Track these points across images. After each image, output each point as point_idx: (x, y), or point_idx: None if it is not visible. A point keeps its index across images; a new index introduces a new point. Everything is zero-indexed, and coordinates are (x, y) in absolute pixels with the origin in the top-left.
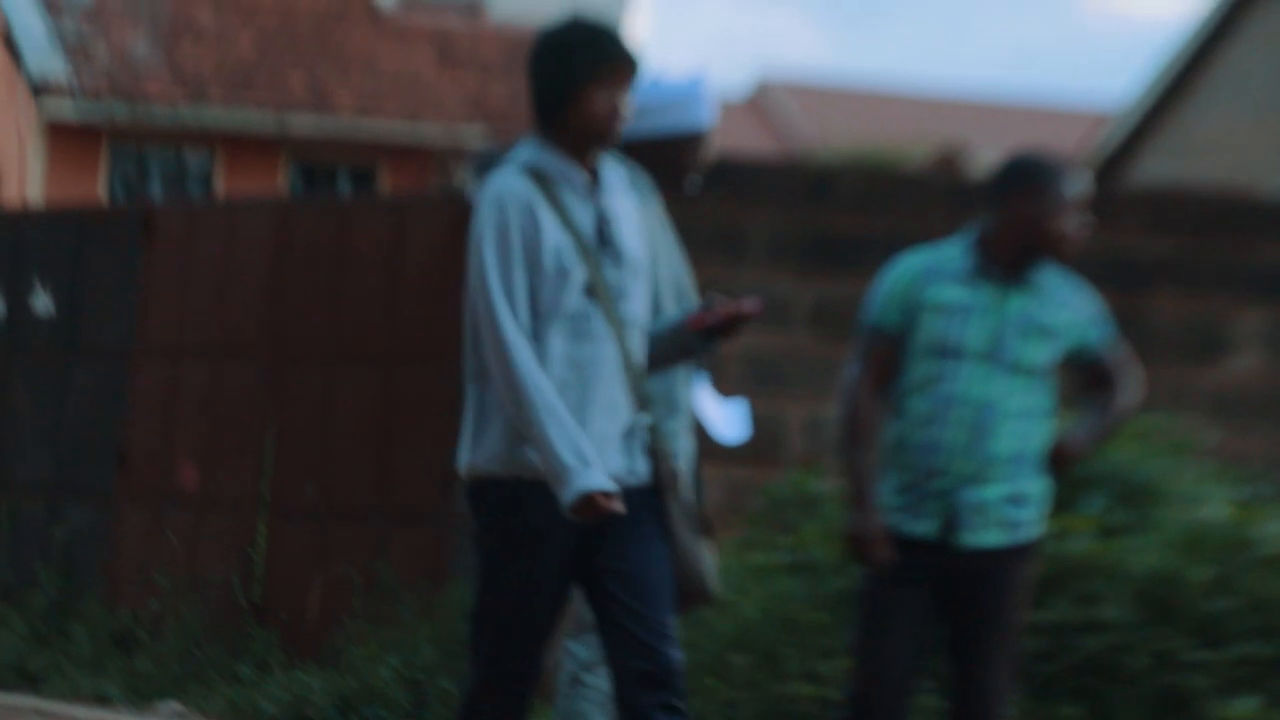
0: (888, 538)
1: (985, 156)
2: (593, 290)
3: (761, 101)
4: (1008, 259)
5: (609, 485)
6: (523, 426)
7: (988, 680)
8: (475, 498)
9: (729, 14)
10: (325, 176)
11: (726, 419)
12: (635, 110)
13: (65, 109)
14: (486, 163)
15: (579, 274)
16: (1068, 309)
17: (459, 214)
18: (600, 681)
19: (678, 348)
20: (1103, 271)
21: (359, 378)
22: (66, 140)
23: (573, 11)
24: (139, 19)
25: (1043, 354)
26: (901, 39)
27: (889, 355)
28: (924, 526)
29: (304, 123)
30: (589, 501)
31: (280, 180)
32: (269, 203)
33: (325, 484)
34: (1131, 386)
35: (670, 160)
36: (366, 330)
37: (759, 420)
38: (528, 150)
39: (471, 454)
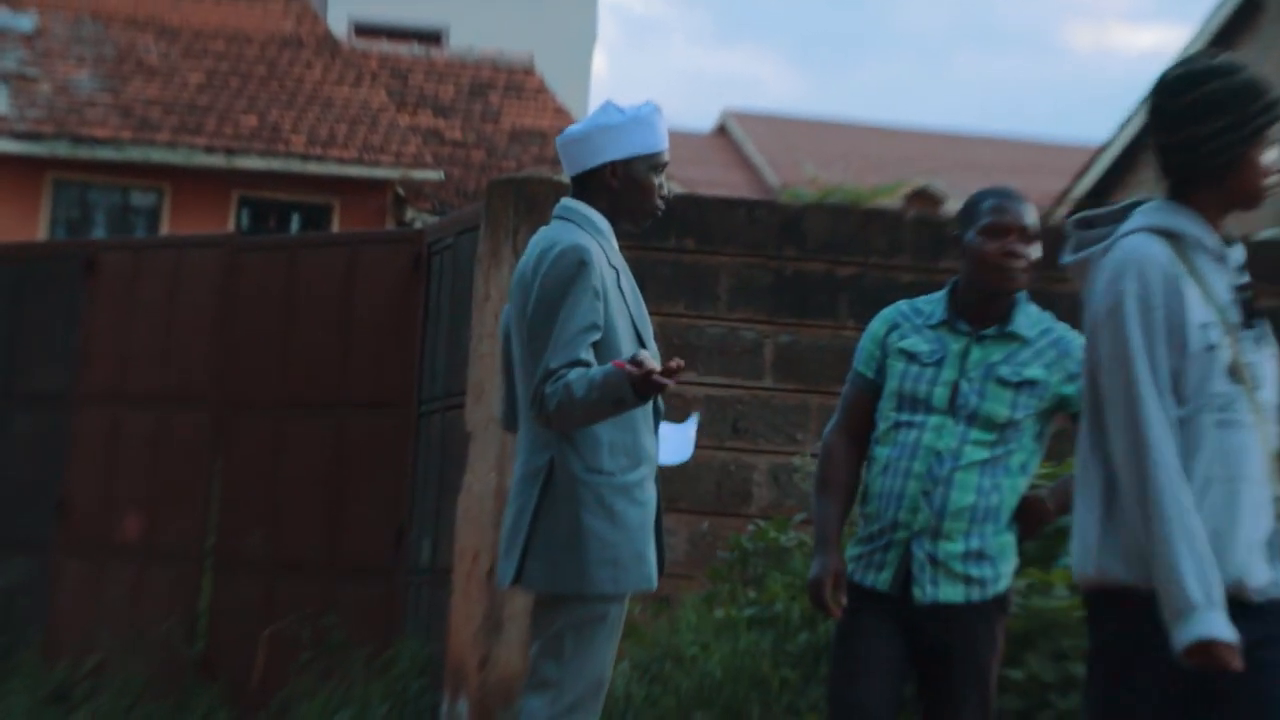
0: (842, 585)
1: (960, 195)
2: (1235, 372)
3: (727, 134)
4: (974, 306)
5: (1233, 636)
6: (1148, 540)
7: None
8: (1102, 609)
9: (697, 52)
10: (277, 216)
11: (669, 442)
12: (593, 134)
13: (5, 143)
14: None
15: (1224, 354)
16: (1039, 363)
17: (414, 253)
18: None
19: (610, 397)
20: (1076, 312)
21: (309, 425)
22: (7, 176)
23: (1226, 56)
24: (83, 53)
25: (1004, 407)
26: (874, 78)
27: (866, 403)
28: (881, 578)
29: (254, 161)
30: (1207, 649)
31: (230, 219)
32: (216, 239)
33: (273, 535)
34: None
35: (635, 184)
36: (317, 375)
37: (724, 469)
38: (1159, 213)
39: (1100, 557)
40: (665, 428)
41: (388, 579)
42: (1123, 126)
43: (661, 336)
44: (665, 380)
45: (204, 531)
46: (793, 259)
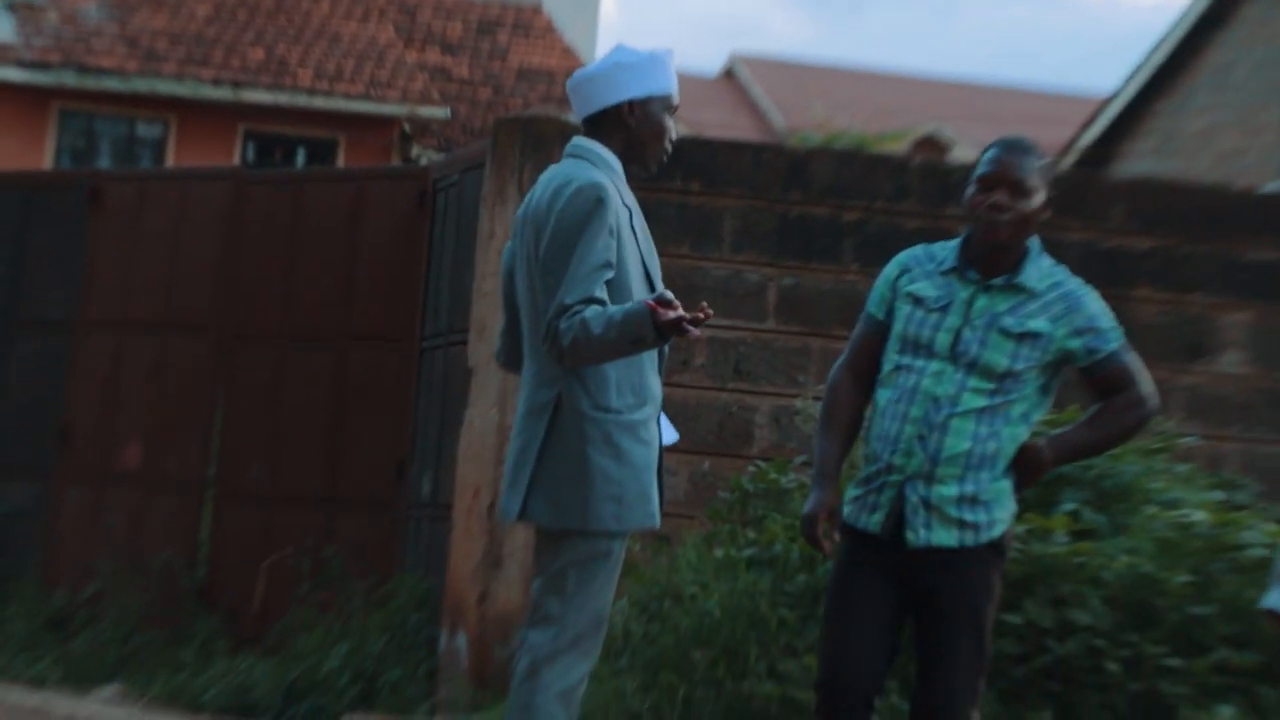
0: (835, 521)
1: (967, 143)
2: None
3: (734, 78)
4: (983, 255)
5: None
6: None
7: (949, 680)
8: None
9: None
10: (283, 150)
11: (665, 420)
12: (612, 72)
13: (11, 72)
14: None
15: None
16: (1045, 316)
17: (419, 190)
18: (558, 674)
19: (630, 336)
20: (1083, 266)
21: (312, 358)
22: (12, 105)
23: None
24: None
25: (1005, 358)
26: (884, 24)
27: (874, 343)
28: (874, 520)
29: (261, 94)
30: None
31: (235, 153)
32: (222, 173)
33: (274, 467)
34: (1125, 405)
35: (651, 123)
36: (320, 309)
37: (726, 410)
38: None
39: None
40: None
41: (388, 513)
42: (1130, 78)
43: (666, 278)
44: (691, 328)
45: (205, 461)
46: (798, 203)
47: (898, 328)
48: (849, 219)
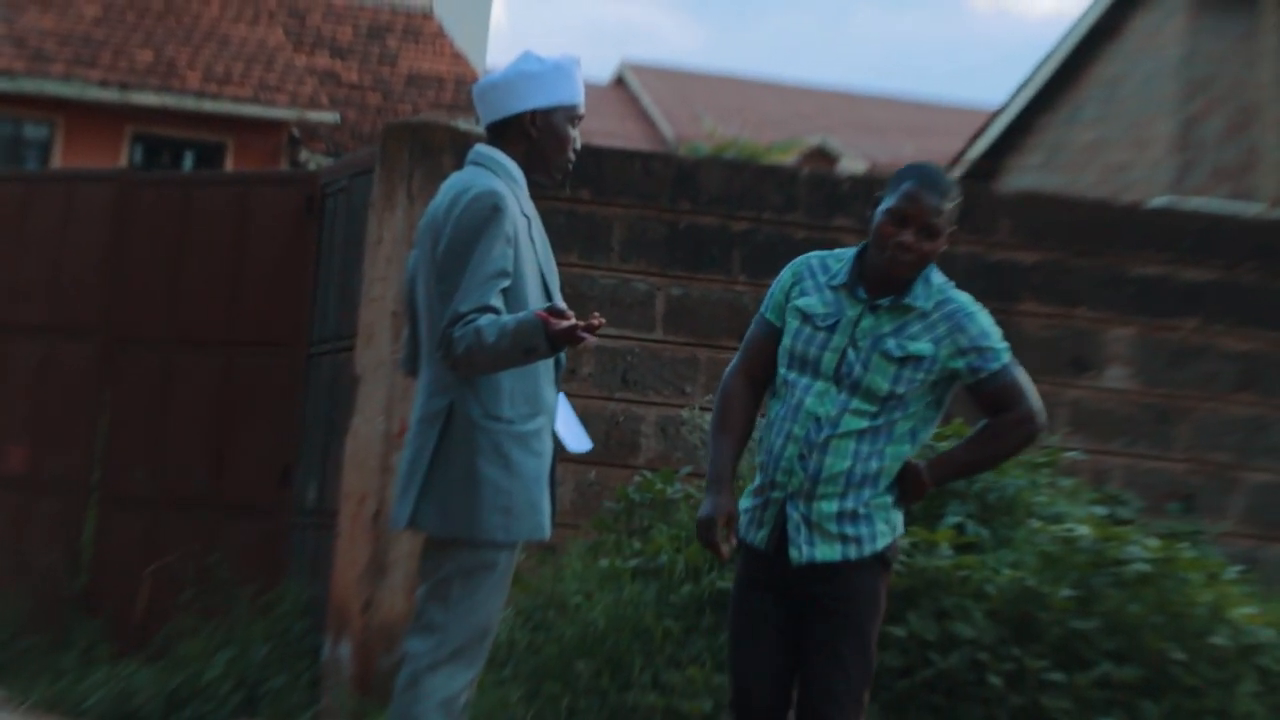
0: (733, 526)
1: (855, 154)
2: None
3: (625, 86)
4: (872, 276)
5: None
6: None
7: (834, 691)
8: None
9: (596, 1)
10: (171, 153)
11: (571, 428)
12: (516, 81)
13: None
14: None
15: None
16: (928, 337)
17: (307, 195)
18: (439, 684)
19: (523, 345)
20: (969, 279)
21: (198, 362)
22: None
23: None
24: None
25: (886, 381)
26: (775, 33)
27: (767, 348)
28: (759, 536)
29: (149, 96)
30: None
31: (123, 155)
32: (109, 175)
33: (159, 471)
34: (1011, 423)
35: (553, 134)
36: (207, 313)
37: (613, 420)
38: None
39: None
40: (564, 412)
41: (273, 519)
42: (1019, 90)
43: None
44: (585, 335)
45: (90, 465)
46: (687, 212)
47: (786, 342)
48: (738, 229)
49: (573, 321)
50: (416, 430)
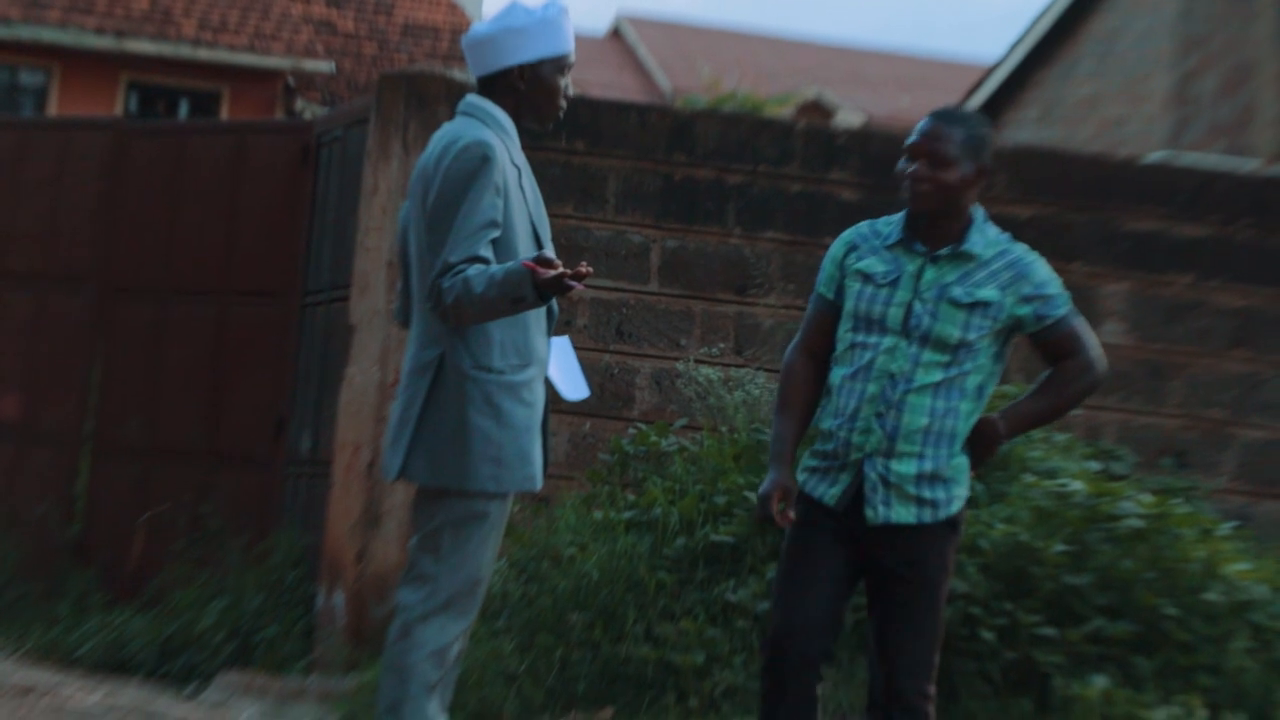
0: (790, 501)
1: (851, 107)
2: None
3: (622, 38)
4: (925, 227)
5: None
6: None
7: (912, 657)
8: None
9: None
10: (166, 102)
11: (567, 374)
12: (500, 37)
13: None
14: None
15: None
16: (993, 284)
17: (302, 144)
18: (431, 634)
19: (510, 295)
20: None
21: (192, 311)
22: None
23: None
24: None
25: (956, 329)
26: None
27: (826, 322)
28: (831, 493)
29: (144, 44)
30: None
31: (118, 104)
32: (104, 123)
33: (152, 421)
34: (1075, 371)
35: (541, 86)
36: (201, 262)
37: (607, 372)
38: None
39: None
40: (561, 358)
41: (266, 469)
42: (1015, 45)
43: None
44: (573, 283)
45: (83, 414)
46: (682, 165)
47: (849, 306)
48: (733, 182)
49: (560, 270)
50: (407, 381)
